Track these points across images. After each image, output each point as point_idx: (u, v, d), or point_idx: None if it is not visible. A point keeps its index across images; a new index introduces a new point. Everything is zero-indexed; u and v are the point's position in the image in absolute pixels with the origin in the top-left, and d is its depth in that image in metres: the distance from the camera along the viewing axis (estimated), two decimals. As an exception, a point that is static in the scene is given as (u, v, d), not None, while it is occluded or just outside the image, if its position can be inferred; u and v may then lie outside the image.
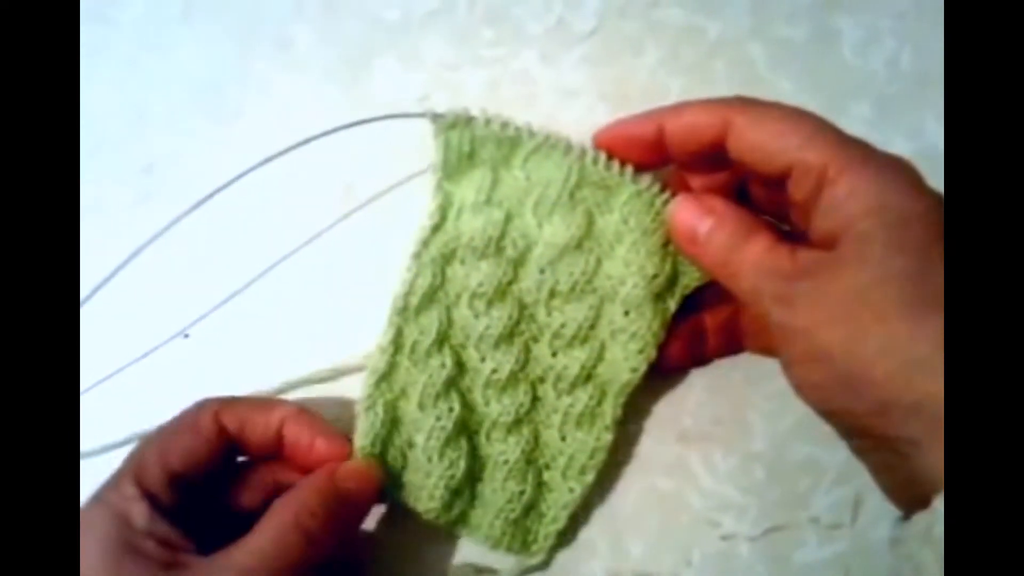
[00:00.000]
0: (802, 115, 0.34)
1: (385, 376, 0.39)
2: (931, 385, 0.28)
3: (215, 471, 0.37)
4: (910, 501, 0.30)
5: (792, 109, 0.34)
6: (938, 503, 0.28)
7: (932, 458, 0.29)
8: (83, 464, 0.39)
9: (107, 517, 0.34)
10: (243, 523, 0.35)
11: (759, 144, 0.34)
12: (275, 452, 0.38)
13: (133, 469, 0.35)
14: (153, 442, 0.36)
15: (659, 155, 0.37)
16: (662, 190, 0.37)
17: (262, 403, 0.38)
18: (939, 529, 0.27)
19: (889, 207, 0.31)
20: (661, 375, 0.41)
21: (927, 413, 0.28)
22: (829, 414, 0.33)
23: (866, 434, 0.31)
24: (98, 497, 0.35)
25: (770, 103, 0.35)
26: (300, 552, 0.34)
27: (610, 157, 0.38)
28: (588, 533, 0.42)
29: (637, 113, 0.37)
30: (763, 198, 0.38)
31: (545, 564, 0.41)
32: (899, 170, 0.32)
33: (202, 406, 0.37)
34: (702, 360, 0.41)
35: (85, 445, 0.41)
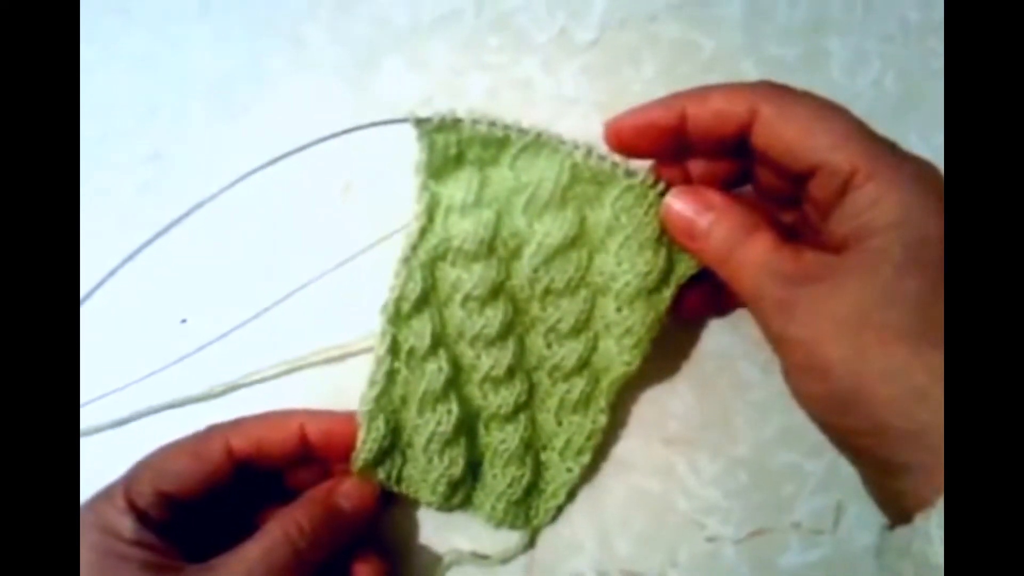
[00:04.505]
0: (834, 111, 0.32)
1: (385, 390, 0.38)
2: (930, 416, 0.28)
3: (220, 488, 0.37)
4: (896, 513, 0.30)
5: (823, 103, 0.33)
6: (920, 521, 0.28)
7: (921, 483, 0.28)
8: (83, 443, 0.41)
9: (97, 525, 0.34)
10: (247, 527, 0.36)
11: (787, 140, 0.32)
12: (299, 457, 0.38)
13: (126, 483, 0.36)
14: (151, 461, 0.37)
15: (677, 144, 0.35)
16: (655, 182, 0.36)
17: (273, 419, 0.38)
18: (918, 545, 0.27)
19: (910, 224, 0.30)
20: (652, 370, 0.42)
21: (923, 443, 0.28)
22: (824, 426, 0.32)
23: (859, 451, 0.31)
24: (90, 507, 0.35)
25: (800, 93, 0.33)
26: (287, 566, 0.35)
27: (602, 152, 0.36)
28: (577, 531, 0.42)
29: (657, 98, 0.35)
30: (773, 186, 0.36)
31: (531, 544, 0.42)
32: (927, 183, 0.31)
33: (210, 433, 0.38)
34: (721, 310, 0.41)
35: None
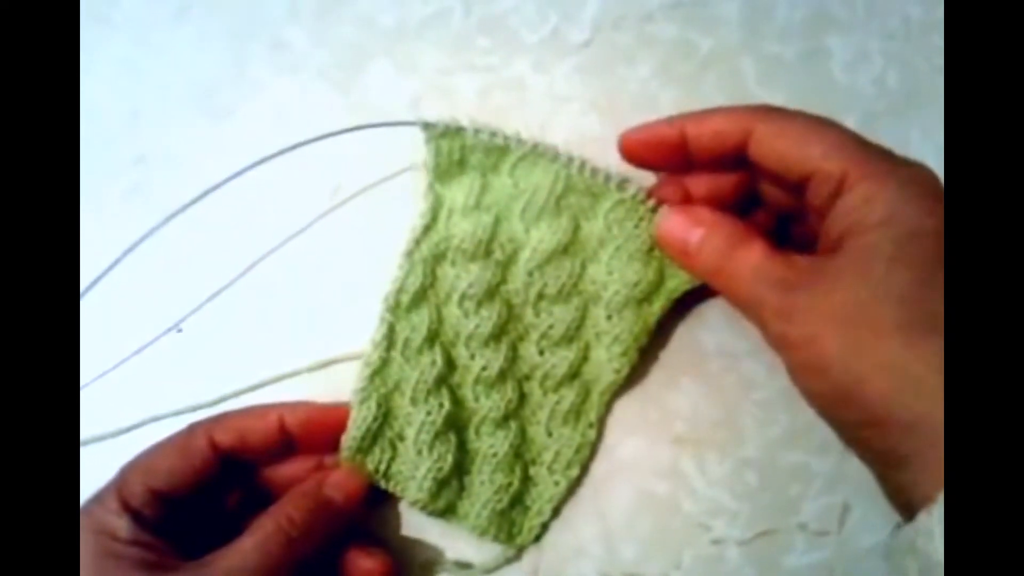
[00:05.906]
0: (826, 124, 0.34)
1: (379, 371, 0.40)
2: (926, 407, 0.29)
3: (208, 484, 0.38)
4: (905, 509, 0.31)
5: (816, 119, 0.34)
6: (923, 518, 0.28)
7: (921, 476, 0.29)
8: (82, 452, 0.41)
9: (91, 528, 0.35)
10: (238, 528, 0.36)
11: (781, 152, 0.34)
12: (281, 449, 0.39)
13: (118, 485, 0.36)
14: (140, 462, 0.37)
15: (682, 158, 0.37)
16: (646, 198, 0.38)
17: (253, 411, 0.39)
18: (922, 542, 0.28)
19: (901, 220, 0.31)
20: (658, 371, 0.42)
21: (919, 434, 0.29)
22: (829, 421, 0.33)
23: (863, 444, 0.32)
24: (84, 511, 0.35)
25: (793, 112, 0.35)
26: (281, 556, 0.35)
27: (595, 165, 0.38)
28: (581, 534, 0.42)
29: (662, 118, 0.38)
30: (778, 200, 0.38)
31: (518, 556, 0.42)
32: (920, 183, 0.32)
33: (193, 429, 0.38)
34: None
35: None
